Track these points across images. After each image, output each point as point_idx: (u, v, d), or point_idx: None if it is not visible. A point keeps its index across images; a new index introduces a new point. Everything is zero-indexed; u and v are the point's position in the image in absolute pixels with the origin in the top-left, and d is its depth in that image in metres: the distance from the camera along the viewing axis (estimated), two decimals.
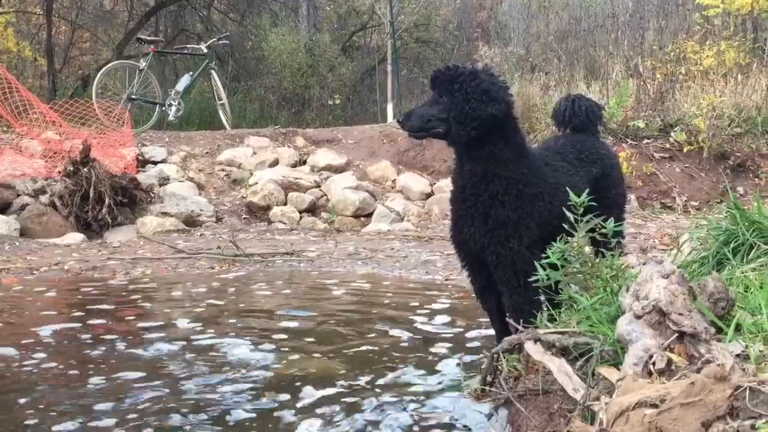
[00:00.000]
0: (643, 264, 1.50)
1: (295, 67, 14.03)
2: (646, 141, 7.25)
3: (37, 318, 3.08)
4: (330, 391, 2.06)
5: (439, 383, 2.13)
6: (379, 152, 7.49)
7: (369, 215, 6.32)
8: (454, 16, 18.82)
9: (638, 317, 1.39)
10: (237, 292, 3.63)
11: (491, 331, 2.38)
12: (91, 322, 2.95)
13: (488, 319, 2.34)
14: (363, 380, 2.16)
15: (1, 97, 6.46)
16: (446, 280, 3.94)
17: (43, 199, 5.45)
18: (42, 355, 2.44)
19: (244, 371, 2.27)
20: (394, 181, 7.00)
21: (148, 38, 8.52)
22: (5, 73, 6.59)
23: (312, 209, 6.34)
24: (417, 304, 3.25)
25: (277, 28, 14.94)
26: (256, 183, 6.40)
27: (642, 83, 7.80)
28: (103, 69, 7.74)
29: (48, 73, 13.75)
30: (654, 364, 1.29)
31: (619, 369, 1.39)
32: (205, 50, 8.16)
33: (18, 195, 5.49)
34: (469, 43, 18.51)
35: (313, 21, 17.48)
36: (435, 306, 3.20)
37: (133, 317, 3.09)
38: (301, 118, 13.04)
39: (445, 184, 6.98)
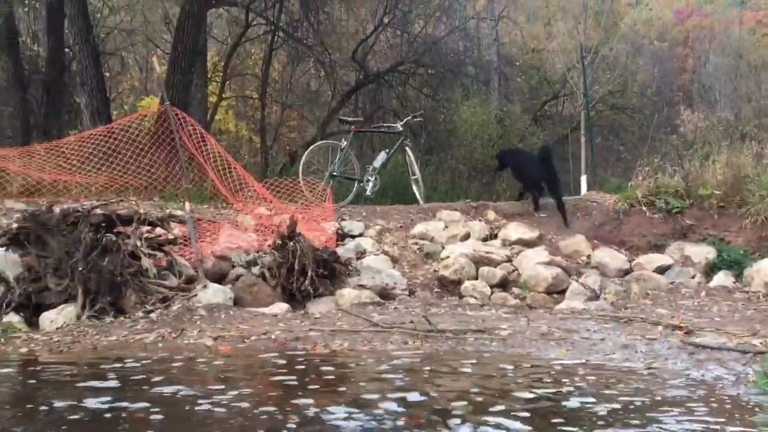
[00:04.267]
0: None
1: (486, 138, 14.19)
2: None
3: (233, 386, 3.30)
4: None
5: None
6: (573, 226, 7.30)
7: (562, 292, 6.14)
8: (653, 81, 18.07)
9: None
10: (432, 371, 3.65)
11: None
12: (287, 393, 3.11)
13: None
14: None
15: (221, 175, 7.21)
16: (648, 369, 3.69)
17: (255, 270, 5.90)
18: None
19: None
20: (588, 256, 6.76)
21: (349, 119, 9.13)
22: (225, 154, 7.34)
23: (503, 284, 6.28)
24: (642, 400, 3.04)
25: (468, 100, 15.29)
26: (448, 257, 6.48)
27: None
28: (310, 149, 8.37)
29: (261, 151, 15.13)
30: None
31: None
32: (401, 128, 8.57)
33: (233, 266, 6.00)
34: (669, 108, 17.64)
35: (503, 92, 17.70)
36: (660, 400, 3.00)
37: (333, 391, 3.21)
38: (491, 189, 13.09)
39: (646, 261, 6.62)
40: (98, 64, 12.59)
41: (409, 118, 8.89)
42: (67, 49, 12.51)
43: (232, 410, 2.83)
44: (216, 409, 2.83)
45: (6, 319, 4.84)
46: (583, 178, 10.29)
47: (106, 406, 2.87)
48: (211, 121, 14.96)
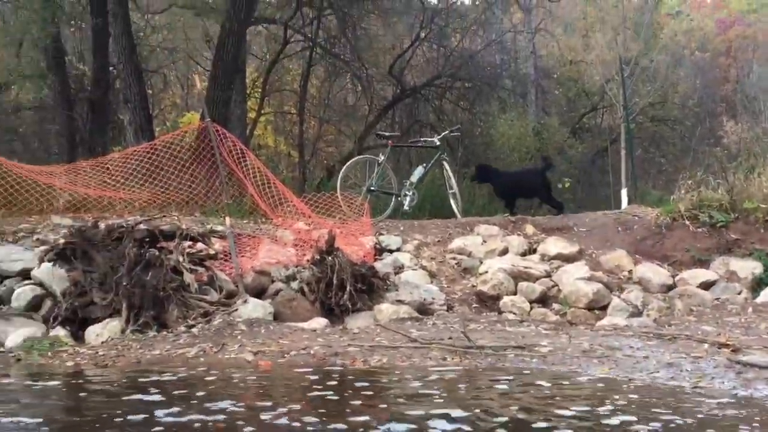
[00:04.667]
0: None
1: (524, 151, 14.13)
2: None
3: (277, 401, 3.32)
4: None
5: None
6: (614, 240, 7.20)
7: (603, 308, 6.05)
8: (694, 92, 17.79)
9: None
10: (472, 388, 3.63)
11: None
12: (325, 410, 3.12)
13: None
14: None
15: (260, 190, 7.29)
16: (694, 387, 3.61)
17: (294, 285, 5.95)
18: None
19: None
20: (630, 271, 6.66)
21: (386, 134, 9.19)
22: (264, 169, 7.42)
23: (543, 300, 6.22)
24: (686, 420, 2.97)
25: (505, 113, 15.24)
26: (486, 272, 6.45)
27: None
28: (347, 164, 8.42)
29: (299, 165, 15.30)
30: None
31: None
32: (438, 142, 8.59)
33: (272, 281, 6.06)
34: (712, 119, 17.34)
35: (541, 105, 17.61)
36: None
37: (375, 407, 3.21)
38: (529, 202, 13.01)
39: (690, 276, 6.50)
40: (141, 82, 12.89)
41: (447, 132, 8.91)
42: (111, 68, 12.83)
43: (278, 428, 2.85)
44: (260, 426, 2.85)
45: (53, 332, 4.96)
46: (624, 192, 10.15)
47: (155, 419, 2.91)
48: (250, 136, 15.17)
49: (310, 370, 4.11)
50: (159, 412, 2.99)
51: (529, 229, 7.45)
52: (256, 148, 16.34)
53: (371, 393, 3.52)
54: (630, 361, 4.27)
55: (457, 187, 8.55)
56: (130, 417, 2.94)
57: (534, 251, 7.02)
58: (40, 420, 2.94)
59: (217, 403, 3.18)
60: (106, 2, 11.91)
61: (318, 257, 5.90)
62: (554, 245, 6.97)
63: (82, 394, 3.59)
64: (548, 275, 6.48)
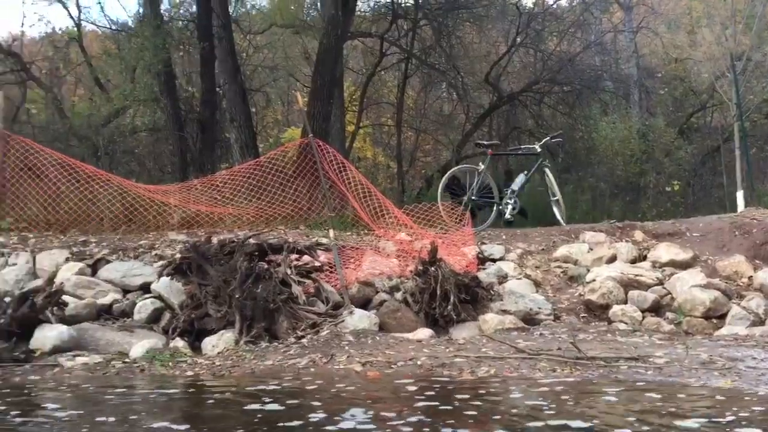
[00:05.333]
0: None
1: (628, 154, 13.68)
2: None
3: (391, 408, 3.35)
4: None
5: None
6: (730, 246, 6.85)
7: (722, 317, 5.75)
8: None
9: None
10: (585, 400, 3.54)
11: None
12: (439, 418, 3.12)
13: None
14: None
15: (362, 202, 7.40)
16: None
17: (398, 296, 6.00)
18: None
19: None
20: (750, 277, 6.31)
21: (485, 143, 9.12)
22: (366, 181, 7.53)
23: (655, 309, 5.99)
24: None
25: (607, 116, 14.81)
26: (594, 280, 6.27)
27: None
28: (447, 174, 8.41)
29: (397, 176, 15.44)
30: None
31: None
32: (539, 149, 8.45)
33: (377, 292, 6.13)
34: None
35: (645, 106, 17.00)
36: None
37: (487, 419, 3.19)
38: (636, 207, 12.58)
39: None
40: (245, 101, 13.43)
41: (548, 139, 8.75)
42: (218, 89, 13.42)
43: None
44: None
45: (172, 344, 5.20)
46: (740, 194, 9.63)
47: (276, 427, 3.01)
48: (349, 149, 15.46)
49: (418, 380, 4.12)
50: (279, 423, 3.09)
51: (638, 235, 7.19)
52: (355, 160, 16.62)
53: (480, 404, 3.50)
54: (754, 372, 4.05)
55: (560, 194, 8.38)
56: (252, 427, 3.05)
57: (644, 258, 6.77)
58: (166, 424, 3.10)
59: (331, 413, 3.25)
60: (212, 27, 12.50)
61: (421, 268, 5.93)
62: (666, 251, 6.69)
63: (205, 403, 3.75)
64: (660, 283, 6.24)
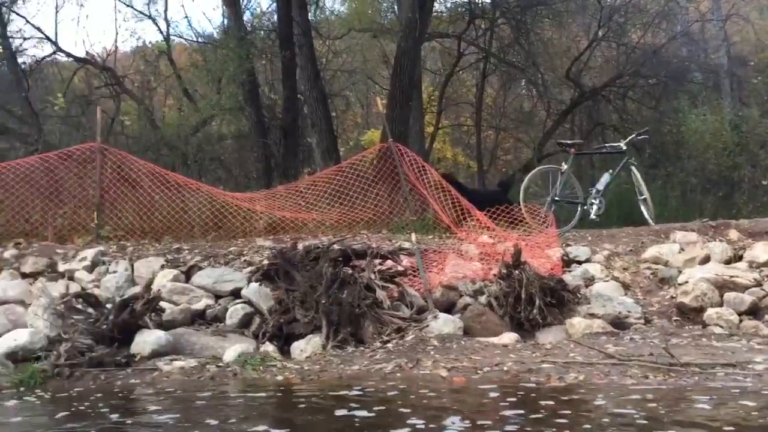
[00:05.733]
0: None
1: (720, 147, 13.09)
2: None
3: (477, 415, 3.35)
4: None
5: None
6: None
7: None
8: None
9: None
10: (681, 409, 3.44)
11: None
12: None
13: None
14: None
15: (443, 205, 7.39)
16: None
17: (482, 299, 5.97)
18: None
19: None
20: None
21: (568, 142, 8.94)
22: (446, 184, 7.52)
23: (753, 311, 5.72)
24: None
25: (696, 108, 14.23)
26: (686, 282, 6.05)
27: None
28: (529, 175, 8.29)
29: (478, 176, 15.33)
30: None
31: None
32: (624, 147, 8.22)
33: (461, 295, 6.11)
34: None
35: (737, 96, 16.23)
36: None
37: (580, 428, 3.14)
38: (729, 203, 12.02)
39: None
40: (326, 106, 13.64)
41: (634, 136, 8.48)
42: (299, 95, 13.70)
43: None
44: None
45: (263, 348, 5.36)
46: None
47: None
48: (429, 150, 15.47)
49: (505, 387, 4.11)
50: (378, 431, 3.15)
51: (733, 234, 6.89)
52: (435, 161, 16.63)
53: (569, 412, 3.45)
54: None
55: (647, 193, 8.12)
56: None
57: (740, 258, 6.48)
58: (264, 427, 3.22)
59: (421, 419, 3.29)
60: (293, 36, 12.77)
61: (505, 271, 5.88)
62: (764, 251, 6.38)
63: (297, 407, 3.84)
64: (758, 284, 5.95)
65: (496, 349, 5.01)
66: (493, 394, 3.93)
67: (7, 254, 6.78)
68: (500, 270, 5.93)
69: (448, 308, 5.99)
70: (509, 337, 5.40)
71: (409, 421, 3.28)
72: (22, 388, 4.64)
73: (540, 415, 3.39)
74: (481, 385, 4.17)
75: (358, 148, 17.44)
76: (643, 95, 15.47)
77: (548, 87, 15.51)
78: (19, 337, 5.27)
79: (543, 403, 3.66)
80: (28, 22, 15.01)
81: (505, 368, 4.51)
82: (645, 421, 3.23)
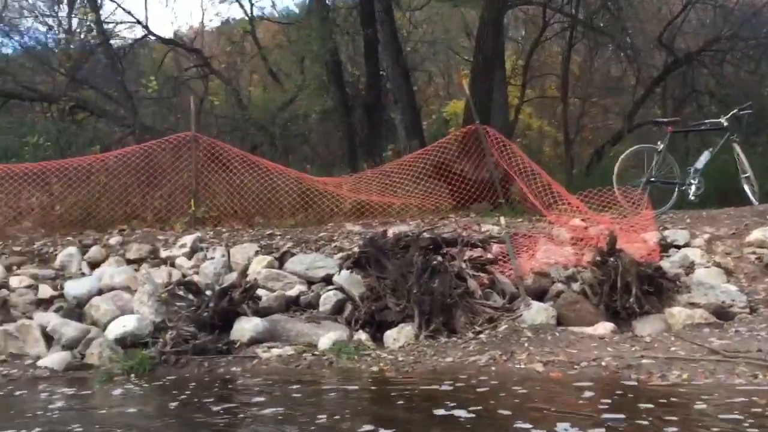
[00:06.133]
0: None
1: None
2: None
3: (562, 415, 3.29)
4: None
5: None
6: None
7: None
8: None
9: None
10: None
11: None
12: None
13: None
14: None
15: (531, 187, 7.24)
16: None
17: (575, 286, 5.86)
18: None
19: None
20: None
21: (664, 120, 8.58)
22: (537, 167, 7.35)
23: None
24: None
25: None
26: None
27: None
28: (623, 155, 7.99)
29: (565, 147, 14.96)
30: None
31: None
32: (725, 123, 7.80)
33: (552, 282, 6.02)
34: None
35: None
36: None
37: None
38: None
39: None
40: (409, 82, 13.58)
41: (736, 111, 8.02)
42: (381, 71, 13.69)
43: None
44: None
45: (356, 336, 5.45)
46: None
47: None
48: (514, 122, 15.19)
49: (604, 384, 4.03)
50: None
51: None
52: (520, 134, 16.33)
53: (676, 418, 3.35)
54: None
55: (751, 170, 7.70)
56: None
57: None
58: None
59: (536, 422, 3.27)
60: (375, 12, 12.71)
61: (599, 259, 5.74)
62: None
63: (395, 403, 3.88)
64: None
65: (593, 342, 4.91)
66: (590, 393, 3.86)
67: (112, 241, 7.12)
68: (594, 257, 5.79)
69: (540, 295, 5.91)
70: (605, 327, 5.28)
71: (516, 426, 3.27)
72: (132, 375, 4.90)
73: (644, 422, 3.32)
74: (578, 382, 4.10)
75: (440, 121, 17.33)
76: (741, 58, 14.63)
77: (638, 53, 14.87)
78: (127, 324, 5.54)
79: (645, 406, 3.57)
80: (119, 6, 15.57)
81: (603, 363, 4.42)
82: (756, 430, 3.11)
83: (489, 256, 6.04)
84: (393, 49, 12.91)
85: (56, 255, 6.82)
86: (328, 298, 6.01)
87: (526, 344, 4.92)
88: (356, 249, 6.23)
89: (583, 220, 6.93)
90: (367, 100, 13.59)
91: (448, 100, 19.78)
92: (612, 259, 5.67)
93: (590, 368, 4.37)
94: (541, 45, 16.09)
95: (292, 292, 6.19)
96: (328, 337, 5.41)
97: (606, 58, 17.43)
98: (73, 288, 6.14)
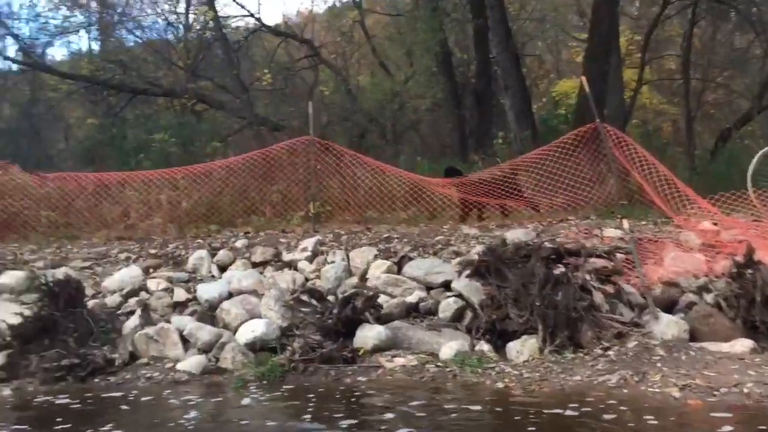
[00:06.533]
0: None
1: None
2: None
3: None
4: None
5: None
6: None
7: None
8: None
9: None
10: None
11: None
12: None
13: None
14: None
15: (655, 188, 6.91)
16: None
17: (708, 298, 5.58)
18: None
19: None
20: None
21: None
22: (662, 167, 7.00)
23: None
24: None
25: None
26: None
27: None
28: (758, 154, 7.47)
29: (687, 133, 14.22)
30: None
31: None
32: None
33: (683, 293, 5.75)
34: None
35: None
36: None
37: None
38: None
39: None
40: (518, 67, 13.29)
41: None
42: (491, 57, 13.46)
43: None
44: None
45: (478, 347, 5.42)
46: None
47: None
48: (631, 105, 14.58)
49: (749, 416, 3.83)
50: None
51: None
52: (636, 114, 15.65)
53: None
54: None
55: None
56: None
57: None
58: None
59: None
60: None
61: (735, 271, 5.44)
62: None
63: (519, 429, 3.86)
64: None
65: (732, 363, 4.66)
66: (728, 428, 3.65)
67: (238, 243, 7.42)
68: (730, 270, 5.49)
69: (669, 307, 5.66)
70: (743, 345, 5.01)
71: None
72: (264, 382, 5.10)
73: None
74: (717, 412, 3.92)
75: (551, 103, 16.88)
76: None
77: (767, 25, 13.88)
78: (256, 328, 5.76)
79: None
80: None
81: (745, 390, 4.20)
82: None
83: (614, 265, 5.85)
84: (502, 34, 12.64)
85: (188, 258, 7.17)
86: (448, 306, 6.00)
87: (658, 364, 4.74)
88: (475, 256, 6.20)
89: (714, 223, 6.57)
90: (477, 87, 13.41)
91: (557, 78, 19.24)
92: (750, 271, 5.37)
93: (731, 395, 4.17)
94: (660, 26, 15.29)
95: (412, 299, 6.22)
96: (449, 346, 5.42)
97: (728, 30, 16.36)
98: (206, 291, 6.45)
